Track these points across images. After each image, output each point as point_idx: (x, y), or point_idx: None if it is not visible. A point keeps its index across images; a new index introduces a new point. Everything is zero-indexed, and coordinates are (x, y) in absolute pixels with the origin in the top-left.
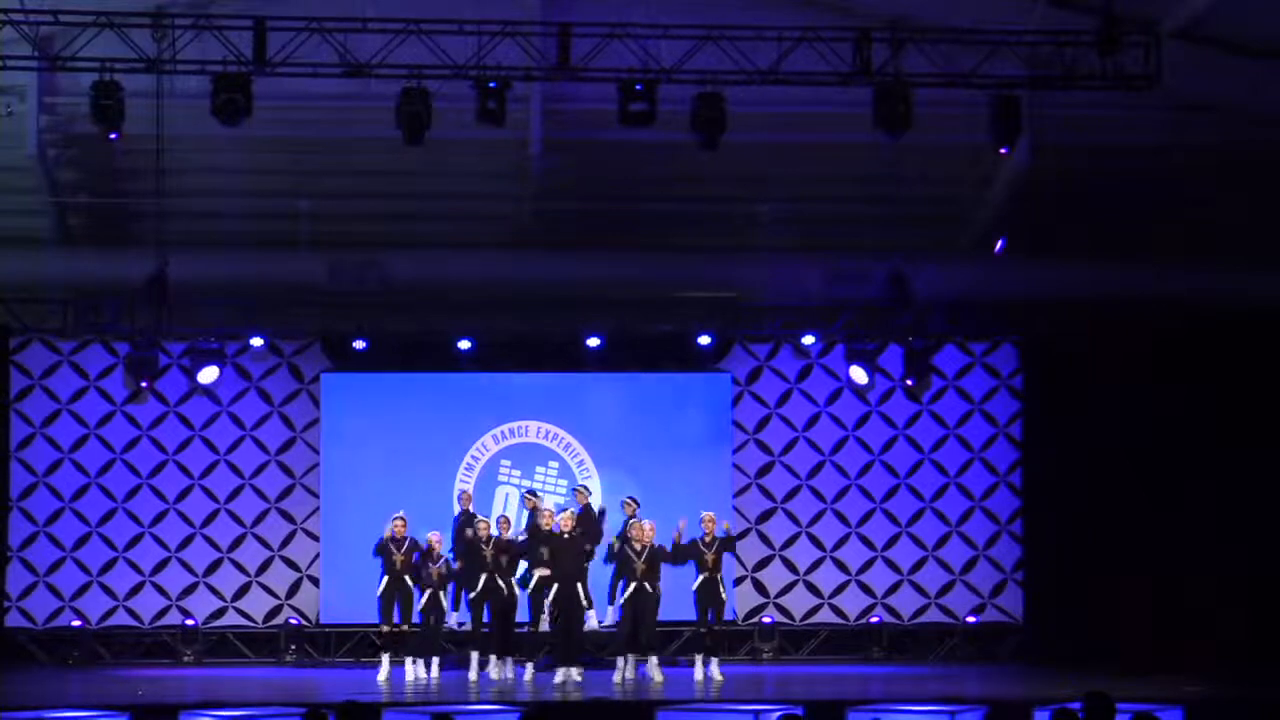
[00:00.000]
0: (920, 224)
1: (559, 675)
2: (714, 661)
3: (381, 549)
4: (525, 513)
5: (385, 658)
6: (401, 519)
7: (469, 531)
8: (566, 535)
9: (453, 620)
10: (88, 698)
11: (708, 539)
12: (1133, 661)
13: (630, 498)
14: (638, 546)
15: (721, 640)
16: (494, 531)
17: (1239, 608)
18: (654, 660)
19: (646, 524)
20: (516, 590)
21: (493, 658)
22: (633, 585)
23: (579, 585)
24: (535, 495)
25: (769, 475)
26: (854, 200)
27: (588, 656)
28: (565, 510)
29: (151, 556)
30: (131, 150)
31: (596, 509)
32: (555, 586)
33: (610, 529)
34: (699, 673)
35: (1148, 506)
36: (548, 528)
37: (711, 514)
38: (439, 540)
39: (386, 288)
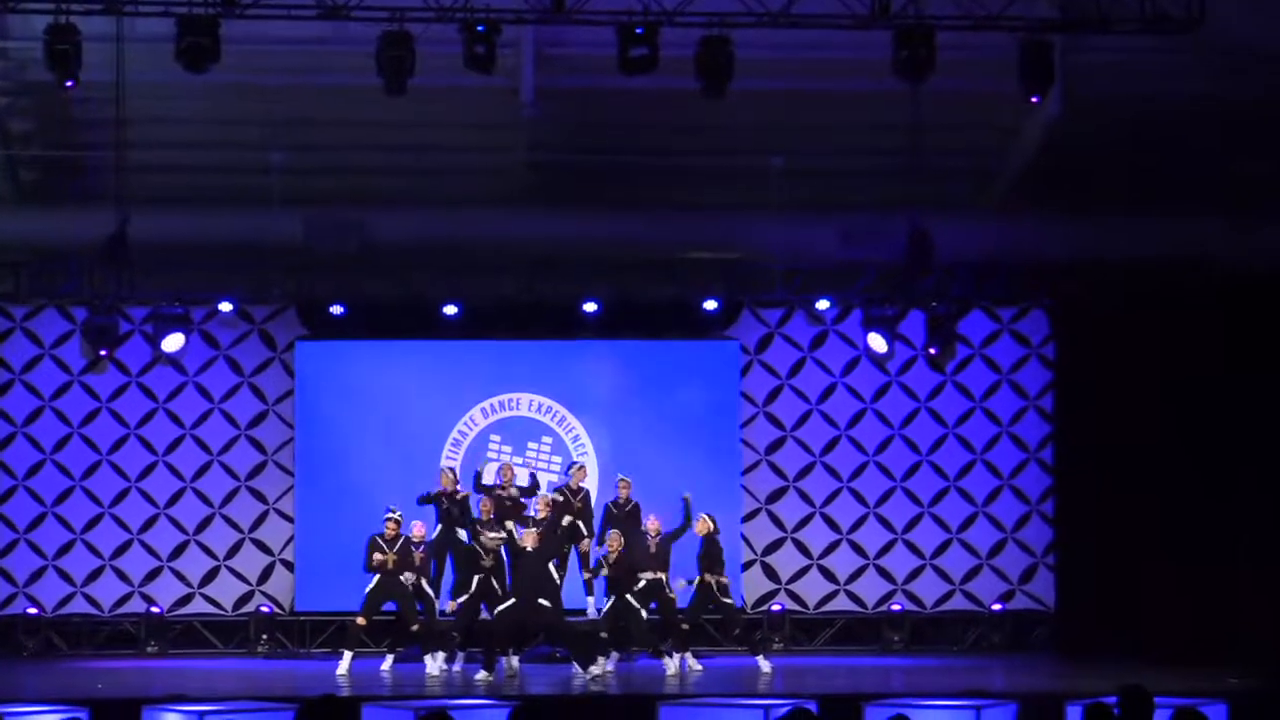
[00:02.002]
0: (944, 179)
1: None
2: (765, 656)
3: (373, 565)
4: (493, 475)
5: (348, 652)
6: (395, 519)
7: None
8: (530, 549)
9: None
10: (43, 691)
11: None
12: (1173, 652)
13: (623, 478)
14: (613, 558)
15: (730, 630)
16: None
17: None
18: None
19: (615, 537)
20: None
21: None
22: (613, 598)
23: (543, 598)
24: (511, 470)
25: (780, 451)
26: (872, 153)
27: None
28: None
29: (111, 539)
30: (89, 99)
31: (528, 482)
32: (511, 601)
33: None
34: (674, 666)
35: (1191, 486)
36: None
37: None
38: (422, 530)
39: (366, 248)
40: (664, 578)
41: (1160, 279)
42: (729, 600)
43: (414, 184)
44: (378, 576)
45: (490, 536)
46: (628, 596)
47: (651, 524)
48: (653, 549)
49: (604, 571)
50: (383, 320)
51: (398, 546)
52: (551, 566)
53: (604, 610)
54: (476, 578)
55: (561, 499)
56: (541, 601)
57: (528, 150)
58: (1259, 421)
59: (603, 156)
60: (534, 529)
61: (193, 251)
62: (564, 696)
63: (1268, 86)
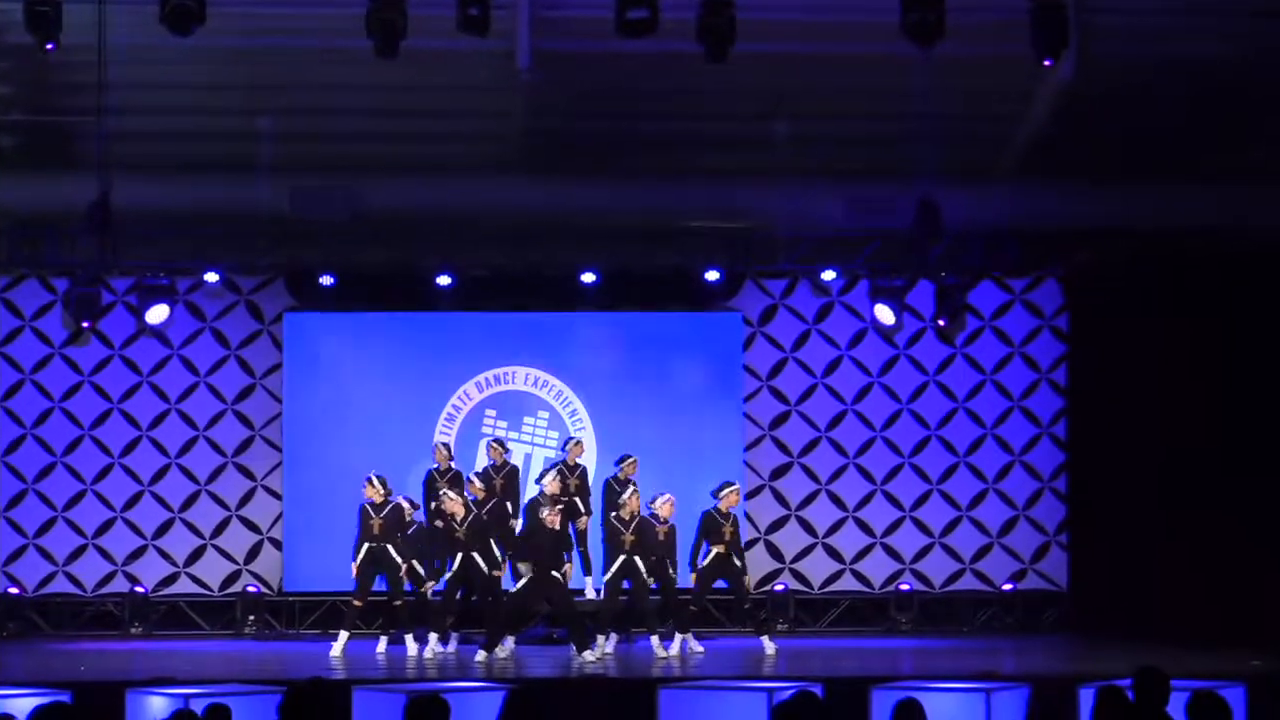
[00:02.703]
0: (954, 145)
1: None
2: (769, 638)
3: (363, 529)
4: (488, 460)
5: (343, 634)
6: (372, 482)
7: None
8: (551, 528)
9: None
10: (24, 673)
11: (722, 508)
12: (1190, 633)
13: (627, 456)
14: (626, 516)
15: (754, 613)
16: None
17: None
18: (655, 639)
19: (632, 494)
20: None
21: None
22: (620, 559)
23: (556, 571)
24: (502, 445)
25: (784, 426)
26: (880, 119)
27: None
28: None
29: (94, 517)
30: (70, 62)
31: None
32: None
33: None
34: (675, 648)
35: (1210, 461)
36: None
37: (735, 485)
38: (407, 507)
39: (357, 217)
40: (668, 561)
41: (1178, 248)
42: (739, 563)
43: (406, 151)
44: (366, 547)
45: (451, 497)
46: (637, 560)
47: (664, 509)
48: (661, 536)
49: (623, 536)
50: (374, 291)
51: (386, 511)
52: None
53: (612, 572)
54: (458, 556)
55: (560, 476)
56: (555, 574)
57: (524, 115)
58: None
59: (601, 122)
60: (555, 507)
61: (178, 220)
62: (562, 679)
63: None
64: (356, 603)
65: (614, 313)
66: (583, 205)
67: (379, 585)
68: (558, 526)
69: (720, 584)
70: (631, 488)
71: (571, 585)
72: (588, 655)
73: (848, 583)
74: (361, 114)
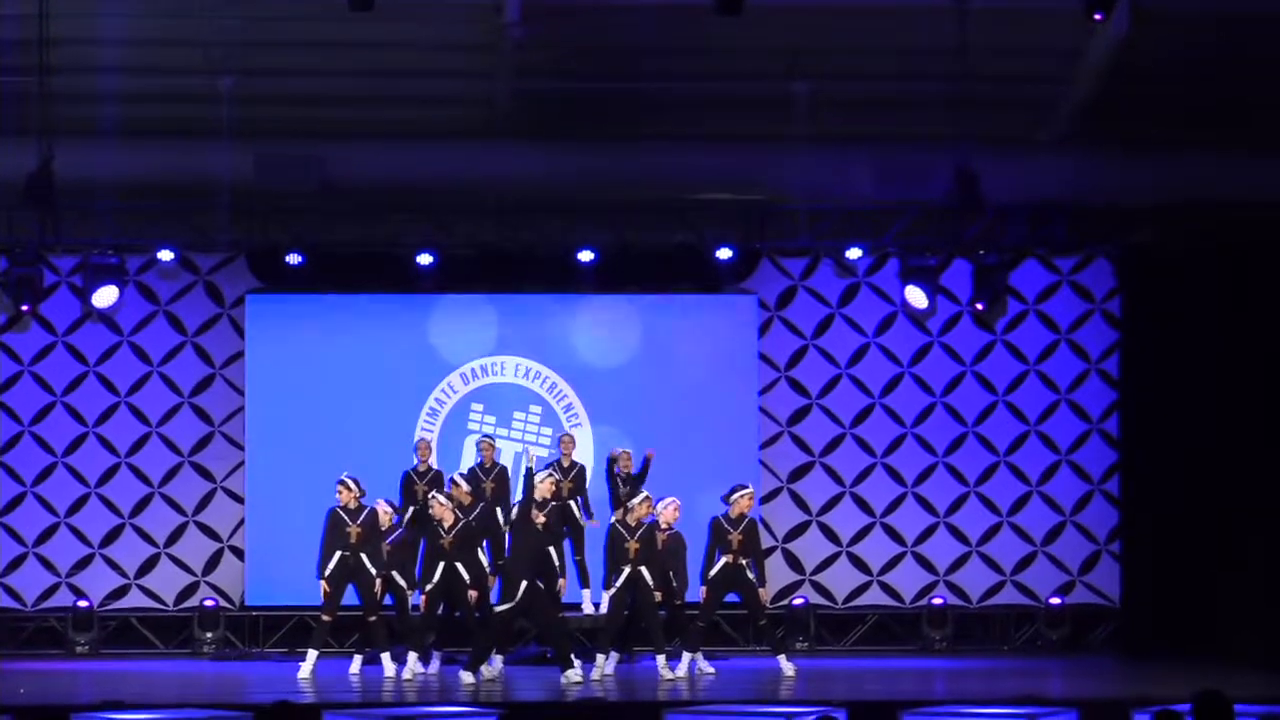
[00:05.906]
0: (994, 109)
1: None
2: (787, 657)
3: (333, 536)
4: (476, 460)
5: (312, 652)
6: (346, 484)
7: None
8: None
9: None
10: None
11: (732, 514)
12: (1255, 653)
13: (623, 451)
14: (632, 523)
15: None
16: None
17: None
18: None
19: (643, 500)
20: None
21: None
22: (626, 571)
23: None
24: (491, 443)
25: (804, 422)
26: (912, 79)
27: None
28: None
29: (35, 523)
30: (8, 16)
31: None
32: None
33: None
34: (682, 668)
35: (1277, 461)
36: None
37: (748, 489)
38: (387, 511)
39: (327, 188)
40: (671, 574)
41: (1243, 224)
42: (754, 575)
43: (383, 115)
44: (338, 556)
45: (440, 501)
46: (643, 571)
47: (667, 514)
48: (660, 545)
49: (627, 544)
50: (346, 271)
51: (362, 518)
52: (552, 550)
53: (616, 585)
54: (440, 565)
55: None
56: (539, 584)
57: (513, 76)
58: None
59: (600, 84)
60: (540, 511)
61: (128, 192)
62: (556, 703)
63: None
64: (326, 618)
65: (614, 295)
66: (579, 176)
67: (351, 599)
68: (548, 526)
69: (732, 598)
70: (643, 494)
71: (568, 599)
72: (571, 675)
73: (875, 596)
74: (334, 74)
